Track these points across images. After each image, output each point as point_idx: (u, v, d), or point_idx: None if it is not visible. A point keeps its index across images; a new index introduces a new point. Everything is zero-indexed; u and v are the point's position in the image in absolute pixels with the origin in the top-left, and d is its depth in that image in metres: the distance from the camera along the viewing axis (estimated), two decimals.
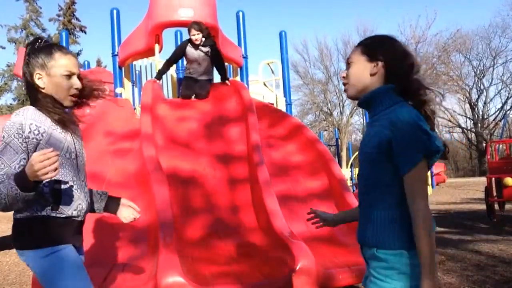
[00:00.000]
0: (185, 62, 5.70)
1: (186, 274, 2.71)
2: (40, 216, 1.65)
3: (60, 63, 1.75)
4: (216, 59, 5.42)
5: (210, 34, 5.28)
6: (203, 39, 5.20)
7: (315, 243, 3.56)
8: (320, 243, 3.69)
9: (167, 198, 3.35)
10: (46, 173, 1.46)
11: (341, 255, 3.48)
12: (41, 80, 1.74)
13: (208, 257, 3.38)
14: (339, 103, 35.18)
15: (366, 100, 1.52)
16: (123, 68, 6.35)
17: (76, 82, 1.77)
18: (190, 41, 5.25)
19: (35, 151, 1.63)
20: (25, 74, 1.76)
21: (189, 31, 5.17)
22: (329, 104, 35.20)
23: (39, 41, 1.79)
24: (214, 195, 4.02)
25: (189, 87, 5.47)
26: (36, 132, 1.67)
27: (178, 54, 5.42)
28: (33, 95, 1.75)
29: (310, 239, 3.64)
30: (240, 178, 4.18)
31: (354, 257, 3.40)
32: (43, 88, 1.74)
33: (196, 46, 5.26)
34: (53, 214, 1.67)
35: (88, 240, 3.25)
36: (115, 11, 6.44)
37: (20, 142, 1.62)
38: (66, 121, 1.75)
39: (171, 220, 3.16)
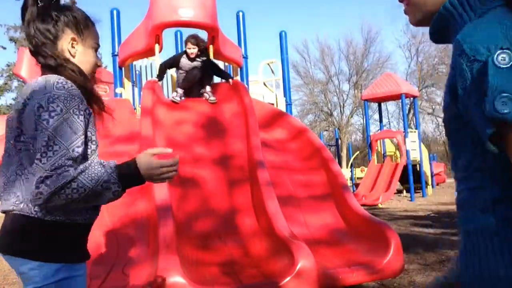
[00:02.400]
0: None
1: (187, 274, 2.71)
2: (73, 221, 1.32)
3: (93, 32, 1.47)
4: (213, 70, 5.52)
5: (206, 48, 5.45)
6: (199, 53, 5.32)
7: (315, 244, 3.56)
8: (320, 243, 3.69)
9: (167, 199, 3.35)
10: (165, 179, 1.32)
11: (341, 255, 3.48)
12: (73, 48, 1.41)
13: (209, 257, 3.39)
14: (340, 103, 35.20)
15: (439, 23, 0.89)
16: (123, 68, 6.36)
17: (98, 57, 1.52)
18: (185, 53, 5.37)
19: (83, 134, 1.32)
20: (44, 34, 1.37)
21: (185, 44, 5.31)
22: (329, 104, 35.23)
23: None
24: (215, 196, 4.02)
25: (191, 74, 5.40)
26: (88, 111, 1.35)
27: (172, 63, 5.50)
28: (57, 66, 1.36)
29: (310, 240, 3.65)
30: (240, 179, 4.18)
31: (354, 257, 3.41)
32: (73, 57, 1.41)
33: (191, 59, 5.36)
34: (79, 219, 1.34)
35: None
36: (115, 11, 6.45)
37: (81, 120, 1.28)
38: (101, 101, 1.45)
39: (171, 221, 3.16)
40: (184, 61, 5.39)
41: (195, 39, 5.27)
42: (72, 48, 1.41)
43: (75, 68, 1.38)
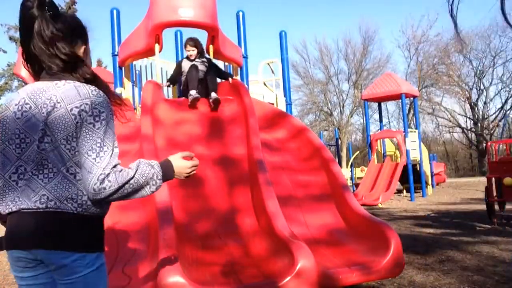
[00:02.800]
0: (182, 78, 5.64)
1: (186, 274, 2.71)
2: (102, 214, 1.48)
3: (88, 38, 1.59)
4: (215, 72, 5.48)
5: (204, 50, 5.52)
6: (198, 54, 5.37)
7: (315, 244, 3.56)
8: (320, 243, 3.69)
9: (167, 199, 3.35)
10: (189, 176, 1.59)
11: (341, 255, 3.48)
12: (84, 57, 1.55)
13: (209, 257, 3.39)
14: (339, 103, 35.19)
15: None
16: (123, 68, 6.35)
17: None
18: (186, 57, 5.46)
19: None
20: (63, 42, 1.46)
21: (185, 47, 5.41)
22: (329, 104, 35.23)
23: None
24: (215, 196, 4.02)
25: (190, 73, 5.32)
26: None
27: (177, 71, 5.53)
28: (76, 70, 1.48)
29: (310, 240, 3.65)
30: (240, 179, 4.18)
31: (354, 257, 3.41)
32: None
33: (191, 60, 5.41)
34: (106, 211, 1.51)
35: None
36: (115, 11, 6.44)
37: (114, 123, 1.46)
38: (121, 100, 1.60)
39: (171, 220, 3.16)
40: (184, 64, 5.46)
41: (193, 41, 5.34)
42: (84, 57, 1.54)
43: (94, 77, 1.50)
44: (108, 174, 1.35)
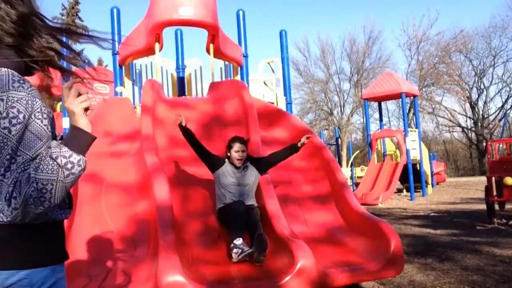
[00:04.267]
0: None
1: (186, 273, 2.71)
2: (51, 219, 1.19)
3: None
4: (265, 165, 3.97)
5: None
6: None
7: (315, 243, 3.56)
8: (320, 243, 3.69)
9: (167, 198, 3.34)
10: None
11: (341, 254, 3.48)
12: None
13: (208, 257, 3.39)
14: (340, 102, 35.18)
15: None
16: (123, 67, 6.35)
17: None
18: (229, 160, 3.84)
19: None
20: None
21: (230, 146, 3.84)
22: (329, 103, 35.20)
23: None
24: (215, 196, 4.01)
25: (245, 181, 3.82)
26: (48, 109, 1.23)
27: (214, 161, 3.89)
28: (30, 42, 1.23)
29: (310, 239, 3.65)
30: None
31: (354, 257, 3.41)
32: None
33: (235, 166, 3.81)
34: (60, 216, 1.22)
35: (88, 239, 3.25)
36: (115, 10, 6.44)
37: (44, 124, 1.16)
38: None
39: (171, 220, 3.16)
40: (227, 170, 3.80)
41: (245, 142, 3.88)
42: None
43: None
44: (12, 191, 1.07)
